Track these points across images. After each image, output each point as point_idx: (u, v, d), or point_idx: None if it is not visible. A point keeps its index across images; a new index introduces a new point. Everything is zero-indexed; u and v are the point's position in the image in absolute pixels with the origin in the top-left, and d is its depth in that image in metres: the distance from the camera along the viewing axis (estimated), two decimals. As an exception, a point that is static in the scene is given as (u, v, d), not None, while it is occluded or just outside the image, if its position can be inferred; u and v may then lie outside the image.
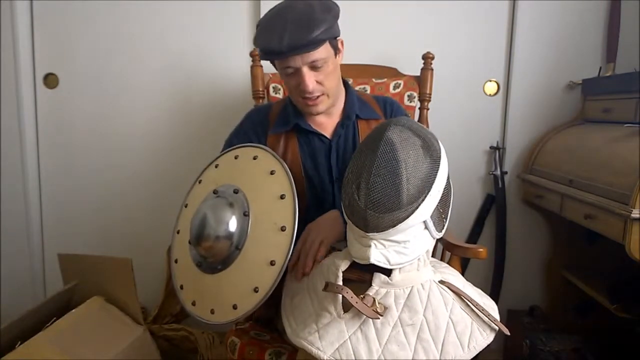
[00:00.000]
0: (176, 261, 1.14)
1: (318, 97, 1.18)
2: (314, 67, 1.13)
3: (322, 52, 1.11)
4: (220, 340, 1.76)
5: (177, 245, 1.16)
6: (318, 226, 1.10)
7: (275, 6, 1.14)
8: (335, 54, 1.17)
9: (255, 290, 0.96)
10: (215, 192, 1.09)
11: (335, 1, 1.16)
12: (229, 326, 1.21)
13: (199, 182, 1.19)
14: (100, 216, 2.05)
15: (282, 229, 0.99)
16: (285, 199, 1.03)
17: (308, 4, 1.09)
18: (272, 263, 0.97)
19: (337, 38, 1.17)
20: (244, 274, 0.99)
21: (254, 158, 1.13)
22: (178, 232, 1.16)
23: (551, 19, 1.87)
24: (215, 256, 1.02)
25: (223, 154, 1.20)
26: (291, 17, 1.08)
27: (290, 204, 1.01)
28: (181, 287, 1.10)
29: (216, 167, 1.18)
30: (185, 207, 1.17)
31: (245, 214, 1.03)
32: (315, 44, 1.08)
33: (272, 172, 1.08)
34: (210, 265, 1.04)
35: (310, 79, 1.13)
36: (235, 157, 1.16)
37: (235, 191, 1.07)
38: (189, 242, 1.08)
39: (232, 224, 1.01)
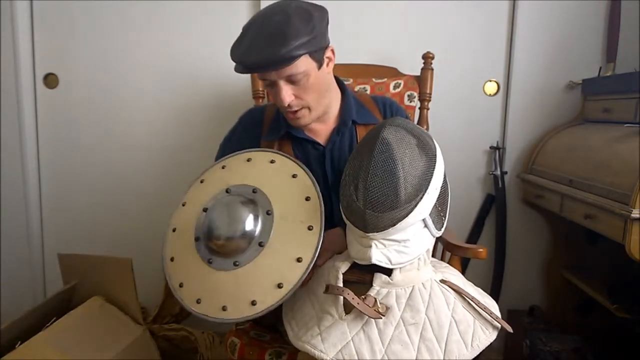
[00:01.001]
0: (172, 259, 1.11)
1: (298, 110, 1.13)
2: (291, 80, 1.08)
3: (300, 66, 1.05)
4: (220, 340, 1.76)
5: (173, 243, 1.12)
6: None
7: (255, 15, 1.10)
8: (320, 66, 1.10)
9: (279, 286, 0.96)
10: (227, 190, 1.08)
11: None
12: (242, 322, 1.21)
13: (201, 182, 1.17)
14: (100, 216, 2.05)
15: (310, 228, 1.00)
16: (311, 201, 1.03)
17: (285, 15, 1.02)
18: (299, 260, 0.97)
19: (328, 47, 1.12)
20: (267, 271, 0.99)
21: (271, 162, 1.11)
22: (174, 230, 1.14)
23: (551, 19, 1.87)
24: (232, 253, 1.01)
25: (231, 157, 1.18)
26: (264, 30, 1.02)
27: (316, 205, 1.02)
28: (180, 286, 1.08)
29: (223, 167, 1.16)
30: (183, 205, 1.16)
31: (269, 213, 1.03)
32: (288, 60, 1.02)
33: (294, 176, 1.07)
34: (225, 261, 1.02)
35: (287, 92, 1.08)
36: (248, 160, 1.14)
37: (254, 191, 1.06)
38: (196, 239, 1.06)
39: (249, 222, 1.02)
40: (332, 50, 1.15)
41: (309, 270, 0.96)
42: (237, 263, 1.01)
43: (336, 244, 1.07)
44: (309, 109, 1.14)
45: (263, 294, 0.97)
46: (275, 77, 1.07)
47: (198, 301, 1.04)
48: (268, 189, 1.06)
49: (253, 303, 0.97)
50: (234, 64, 1.10)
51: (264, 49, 1.02)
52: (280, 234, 1.01)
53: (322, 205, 1.02)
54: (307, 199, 1.03)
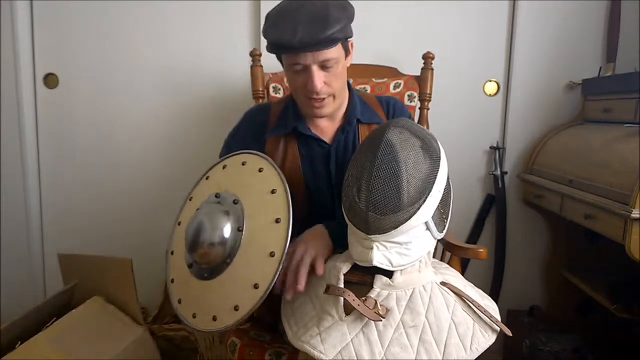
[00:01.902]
0: (172, 253, 1.13)
1: (324, 98, 1.14)
2: (324, 66, 1.09)
3: (335, 52, 1.08)
4: (220, 340, 1.76)
5: (176, 239, 1.14)
6: (306, 242, 1.06)
7: (283, 3, 1.11)
8: (346, 56, 1.14)
9: (236, 308, 0.96)
10: (217, 195, 1.08)
11: None
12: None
13: (206, 178, 1.18)
14: (100, 216, 2.05)
15: (271, 254, 0.97)
16: (280, 224, 1.00)
17: (323, 2, 1.06)
18: (255, 286, 0.96)
19: (349, 40, 1.15)
20: (227, 291, 0.99)
21: (259, 170, 1.09)
22: (179, 224, 1.15)
23: (551, 19, 1.87)
24: (208, 263, 1.02)
25: (231, 156, 1.17)
26: (306, 12, 1.04)
27: (284, 229, 0.99)
28: (172, 281, 1.11)
29: (224, 167, 1.16)
30: (190, 200, 1.17)
31: (239, 229, 1.02)
32: (330, 42, 1.05)
33: (272, 191, 1.04)
34: (200, 270, 1.04)
35: (319, 78, 1.09)
36: (243, 164, 1.13)
37: (235, 202, 1.05)
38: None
39: (227, 232, 1.01)
40: (352, 44, 1.18)
41: (263, 299, 0.95)
42: (206, 275, 1.02)
43: (316, 242, 1.06)
44: (334, 97, 1.16)
45: (223, 313, 0.98)
46: (310, 60, 1.08)
47: (179, 301, 1.08)
48: (247, 203, 1.04)
49: (214, 318, 0.98)
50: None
51: (307, 28, 1.03)
52: (243, 256, 1.00)
53: (290, 229, 0.99)
54: (277, 220, 1.00)
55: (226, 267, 1.00)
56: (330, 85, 1.13)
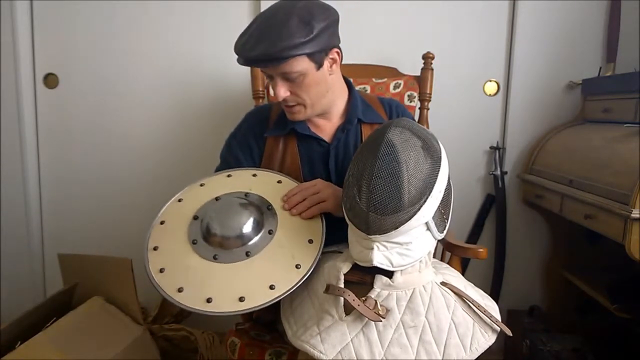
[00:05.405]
0: (162, 223, 1.14)
1: (293, 106, 1.15)
2: (286, 78, 1.10)
3: (295, 65, 1.07)
4: (220, 340, 1.76)
5: (172, 214, 1.15)
6: (330, 187, 1.11)
7: (267, 8, 1.10)
8: (319, 67, 1.11)
9: (241, 299, 0.96)
10: (246, 194, 1.12)
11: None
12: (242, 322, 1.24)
13: (228, 176, 1.20)
14: (100, 216, 2.04)
15: (297, 266, 1.01)
16: (312, 245, 1.05)
17: (287, 14, 1.03)
18: (271, 287, 0.97)
19: (333, 48, 1.12)
20: (239, 280, 0.99)
21: None
22: (180, 201, 1.18)
23: (551, 19, 1.87)
24: (221, 246, 1.03)
25: (267, 171, 1.21)
26: (263, 26, 1.04)
27: (315, 250, 1.04)
28: (155, 249, 1.10)
29: (254, 175, 1.20)
30: (201, 185, 1.19)
31: (270, 232, 1.05)
32: (278, 59, 1.04)
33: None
34: (207, 250, 1.03)
35: (282, 88, 1.11)
36: (279, 182, 1.18)
37: (269, 207, 1.10)
38: (194, 218, 1.09)
39: (247, 226, 1.04)
40: (338, 52, 1.15)
41: (275, 301, 0.96)
42: (216, 257, 1.02)
43: (335, 197, 1.09)
44: (305, 106, 1.16)
45: (222, 298, 0.97)
46: (271, 71, 1.10)
47: (161, 270, 1.06)
48: (281, 214, 1.09)
49: (208, 300, 0.97)
50: (234, 64, 1.12)
51: (259, 45, 1.04)
52: (268, 256, 1.02)
53: (320, 252, 1.03)
54: (310, 241, 1.05)
55: (244, 259, 1.02)
56: (297, 95, 1.13)
